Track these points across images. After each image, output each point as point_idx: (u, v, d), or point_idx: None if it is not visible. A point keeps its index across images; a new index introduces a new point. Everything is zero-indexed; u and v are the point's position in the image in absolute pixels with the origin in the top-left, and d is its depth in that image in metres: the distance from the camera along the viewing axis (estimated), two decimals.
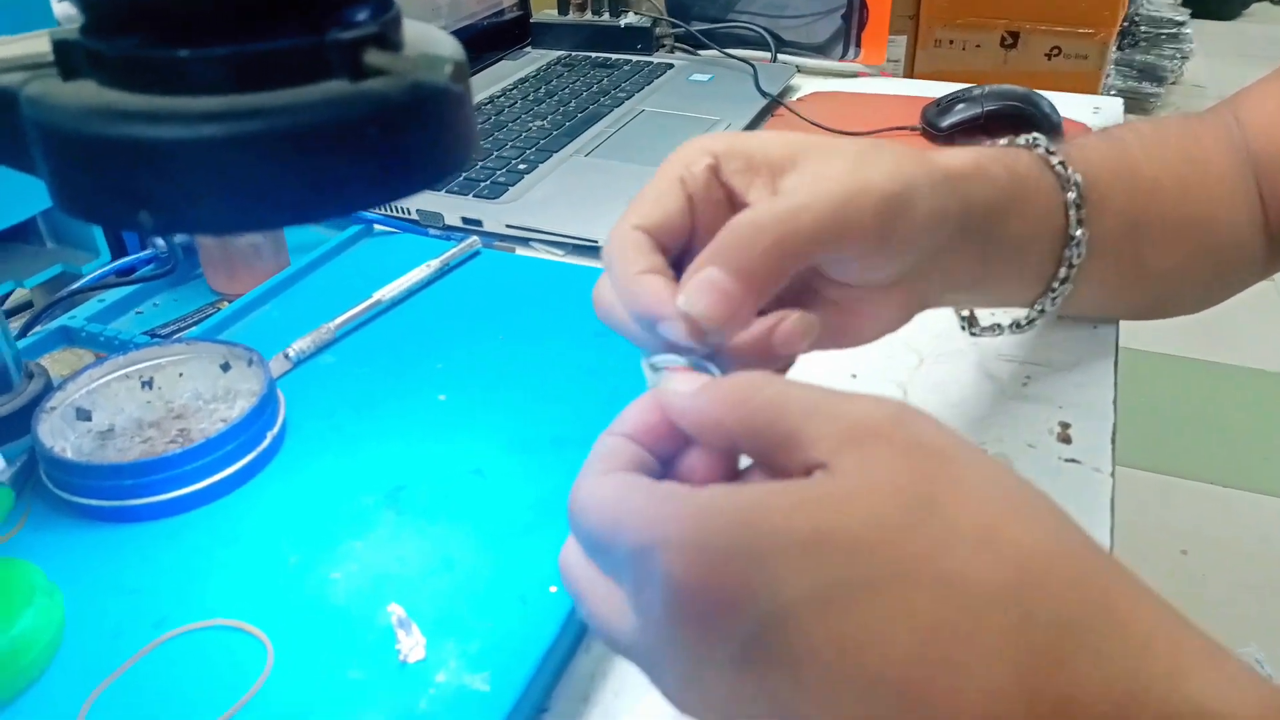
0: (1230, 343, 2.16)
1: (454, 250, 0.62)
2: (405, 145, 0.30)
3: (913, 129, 0.86)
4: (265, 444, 0.45)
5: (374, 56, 0.28)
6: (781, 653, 0.24)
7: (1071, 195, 0.44)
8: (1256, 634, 1.46)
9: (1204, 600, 1.55)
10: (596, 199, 0.73)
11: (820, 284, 0.37)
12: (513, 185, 0.74)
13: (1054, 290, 0.46)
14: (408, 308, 0.58)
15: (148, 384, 0.50)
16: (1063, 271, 0.45)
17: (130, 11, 0.25)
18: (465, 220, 0.71)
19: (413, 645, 0.36)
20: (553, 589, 0.38)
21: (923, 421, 0.26)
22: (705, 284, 0.31)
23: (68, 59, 0.26)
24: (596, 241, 0.67)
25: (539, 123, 0.86)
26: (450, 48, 0.30)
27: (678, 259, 0.35)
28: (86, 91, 0.26)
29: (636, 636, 0.26)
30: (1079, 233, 0.44)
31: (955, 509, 0.24)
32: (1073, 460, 0.49)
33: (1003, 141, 0.46)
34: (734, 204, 0.35)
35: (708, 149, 0.35)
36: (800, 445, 0.26)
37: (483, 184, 0.74)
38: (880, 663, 0.23)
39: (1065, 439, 0.50)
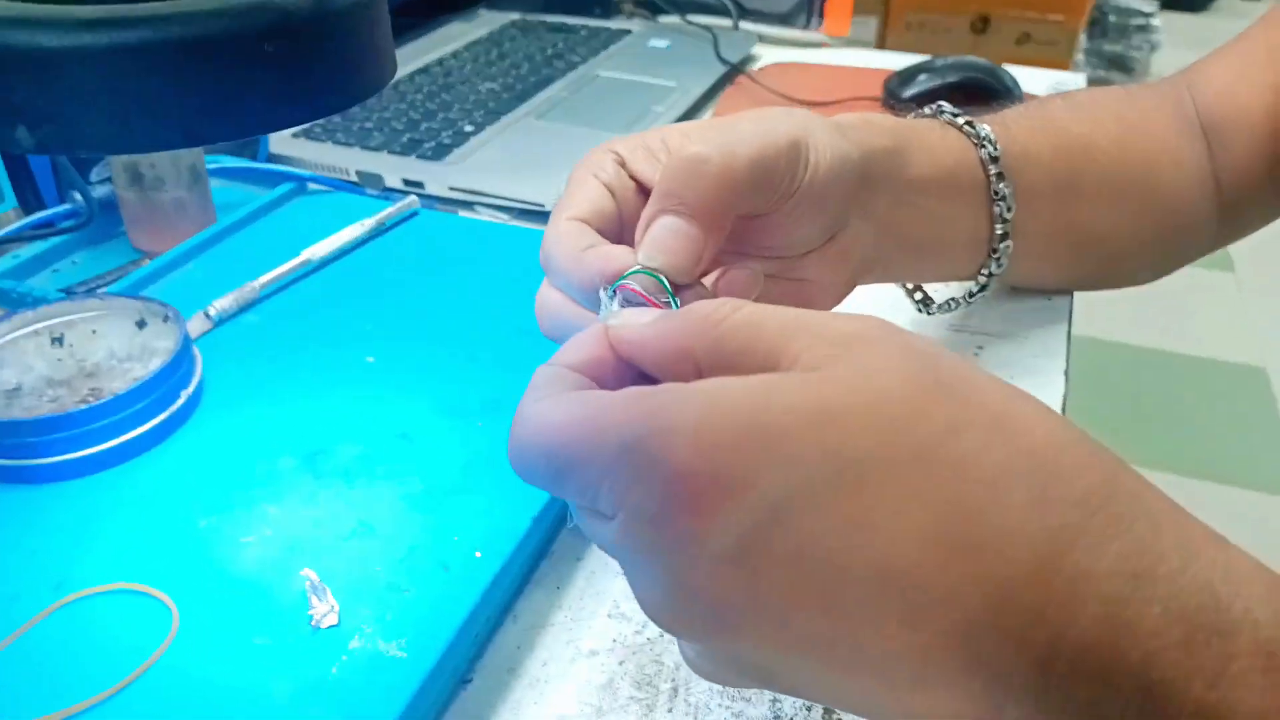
0: (1187, 332, 2.18)
1: (390, 209, 0.60)
2: (309, 63, 0.28)
3: (874, 99, 0.84)
4: (179, 404, 0.43)
5: None
6: (782, 543, 0.22)
7: (985, 151, 0.44)
8: None
9: None
10: (546, 162, 0.71)
11: (754, 261, 0.37)
12: (458, 147, 0.72)
13: (996, 251, 0.46)
14: (339, 268, 0.56)
15: (58, 341, 0.47)
16: (999, 229, 0.45)
17: None
18: (407, 182, 0.68)
19: (325, 611, 0.34)
20: (478, 554, 0.36)
21: (909, 333, 0.25)
22: (664, 230, 0.31)
23: None
24: (543, 205, 0.65)
25: (489, 85, 0.84)
26: None
27: None
28: None
29: (620, 540, 0.24)
30: (1001, 186, 0.45)
31: (966, 394, 0.23)
32: None
33: (910, 117, 0.47)
34: (645, 191, 0.35)
35: (610, 148, 0.36)
36: (784, 363, 0.24)
37: (426, 145, 0.72)
38: (890, 547, 0.21)
39: None
